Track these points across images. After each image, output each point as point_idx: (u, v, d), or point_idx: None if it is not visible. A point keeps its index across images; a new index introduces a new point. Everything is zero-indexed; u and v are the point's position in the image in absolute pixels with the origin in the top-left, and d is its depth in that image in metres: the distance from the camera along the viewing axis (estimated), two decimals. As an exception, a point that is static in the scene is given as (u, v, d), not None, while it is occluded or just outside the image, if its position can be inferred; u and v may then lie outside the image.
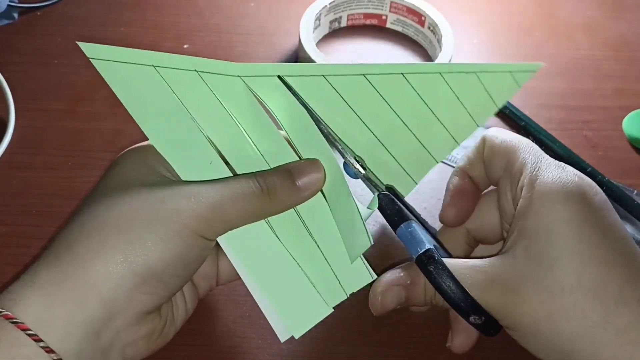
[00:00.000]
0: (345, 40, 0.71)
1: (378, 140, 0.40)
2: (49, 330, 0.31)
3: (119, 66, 0.36)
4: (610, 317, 0.30)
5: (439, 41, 0.66)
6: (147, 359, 0.38)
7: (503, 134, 0.39)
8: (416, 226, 0.36)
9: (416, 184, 0.42)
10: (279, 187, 0.36)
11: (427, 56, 0.69)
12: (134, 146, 0.38)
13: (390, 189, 0.39)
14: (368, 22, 0.71)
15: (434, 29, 0.67)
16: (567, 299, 0.31)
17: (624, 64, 0.70)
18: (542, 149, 0.63)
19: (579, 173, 0.35)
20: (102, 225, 0.33)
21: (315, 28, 0.68)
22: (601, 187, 0.59)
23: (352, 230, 0.38)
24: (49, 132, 0.60)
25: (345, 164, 0.38)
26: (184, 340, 0.47)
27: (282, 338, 0.39)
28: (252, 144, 0.38)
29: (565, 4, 0.77)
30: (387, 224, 0.38)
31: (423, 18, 0.68)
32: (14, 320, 0.30)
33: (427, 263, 0.33)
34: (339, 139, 0.38)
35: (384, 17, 0.71)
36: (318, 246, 0.39)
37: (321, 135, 0.37)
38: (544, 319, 0.32)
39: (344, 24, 0.71)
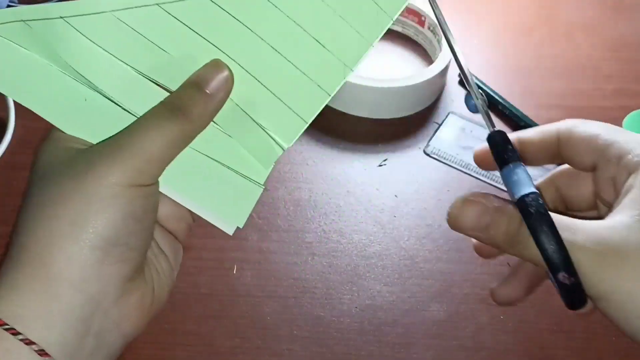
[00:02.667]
0: (345, 40, 0.70)
1: (249, 73, 0.36)
2: (27, 324, 0.31)
3: None
4: None
5: (439, 41, 0.66)
6: (147, 355, 0.38)
7: (577, 120, 0.36)
8: (525, 169, 0.33)
9: (306, 123, 0.37)
10: (190, 103, 0.34)
11: (427, 56, 0.69)
12: (44, 138, 0.38)
13: (502, 133, 0.36)
14: (368, 22, 0.71)
15: (434, 29, 0.67)
16: None
17: (624, 64, 0.70)
18: (543, 149, 0.64)
19: None
20: (42, 218, 0.33)
21: (315, 28, 0.68)
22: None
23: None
24: (48, 132, 0.60)
25: (467, 96, 0.37)
26: (184, 340, 0.47)
27: (230, 231, 0.38)
28: (142, 78, 0.36)
29: (565, 4, 0.77)
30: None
31: (423, 18, 0.68)
32: None
33: (529, 205, 0.31)
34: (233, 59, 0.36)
35: (384, 17, 0.71)
36: (227, 134, 0.37)
37: (216, 50, 0.35)
38: None
39: (344, 24, 0.71)
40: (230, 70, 0.36)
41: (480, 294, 0.50)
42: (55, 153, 0.36)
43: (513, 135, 0.37)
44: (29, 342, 0.31)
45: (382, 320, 0.48)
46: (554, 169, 0.39)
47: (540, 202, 0.32)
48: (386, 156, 0.61)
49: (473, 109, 0.37)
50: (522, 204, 0.32)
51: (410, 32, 0.70)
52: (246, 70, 0.36)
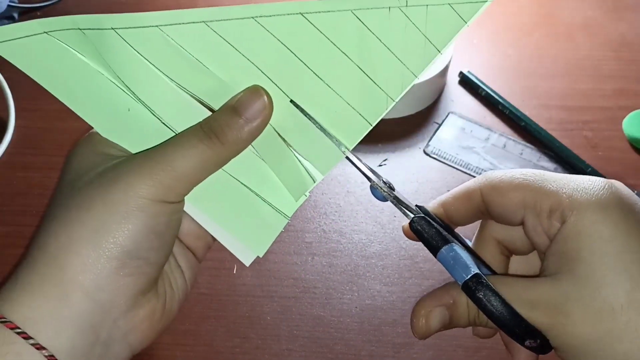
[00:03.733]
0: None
1: (323, 81, 0.36)
2: (38, 328, 0.31)
3: (18, 44, 0.35)
4: None
5: (439, 41, 0.66)
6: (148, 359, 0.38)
7: (501, 174, 0.36)
8: (457, 248, 0.34)
9: (344, 154, 0.37)
10: (226, 127, 0.34)
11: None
12: (81, 139, 0.38)
13: (421, 208, 0.37)
14: (368, 22, 0.71)
15: (434, 29, 0.67)
16: (619, 319, 0.30)
17: (624, 64, 0.70)
18: (542, 150, 0.64)
19: (610, 181, 0.33)
20: (65, 222, 0.33)
21: (315, 28, 0.68)
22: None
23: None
24: (49, 132, 0.60)
25: (372, 187, 0.37)
26: (184, 340, 0.47)
27: (247, 262, 0.38)
28: (185, 94, 0.36)
29: (565, 4, 0.77)
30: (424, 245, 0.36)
31: (423, 18, 0.68)
32: (2, 319, 0.30)
33: (475, 290, 0.32)
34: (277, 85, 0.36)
35: (384, 17, 0.71)
36: (262, 159, 0.37)
37: (260, 74, 0.35)
38: (595, 341, 0.30)
39: (344, 24, 0.71)
40: (269, 98, 0.35)
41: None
42: (89, 156, 0.36)
43: (436, 204, 0.37)
44: (39, 347, 0.30)
45: (382, 320, 0.48)
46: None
47: (484, 282, 0.32)
48: (386, 156, 0.61)
49: (381, 198, 0.37)
50: (467, 290, 0.33)
51: (410, 32, 0.70)
52: (287, 95, 0.36)
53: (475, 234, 0.39)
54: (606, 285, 0.30)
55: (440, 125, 0.64)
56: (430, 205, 0.37)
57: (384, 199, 0.37)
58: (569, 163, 0.60)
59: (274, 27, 0.34)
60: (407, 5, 0.33)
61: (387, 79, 0.35)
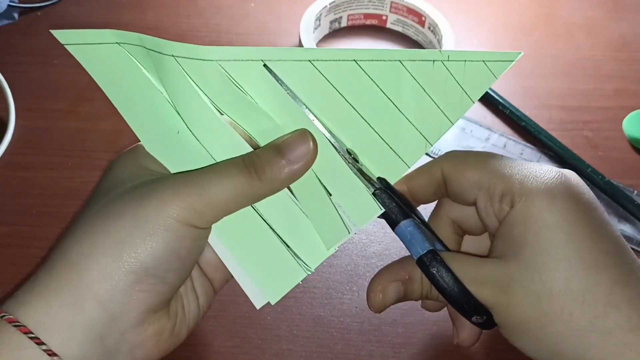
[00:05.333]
0: (345, 41, 0.71)
1: (368, 124, 0.37)
2: (51, 333, 0.31)
3: (91, 48, 0.37)
4: (598, 321, 0.31)
5: (439, 41, 0.66)
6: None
7: (464, 153, 0.38)
8: (415, 223, 0.35)
9: (382, 209, 0.38)
10: (267, 165, 0.35)
11: (427, 56, 0.69)
12: (127, 149, 0.38)
13: (382, 180, 0.38)
14: (368, 22, 0.71)
15: (434, 29, 0.67)
16: (555, 304, 0.32)
17: (624, 64, 0.70)
18: (542, 150, 0.64)
19: (562, 170, 0.35)
20: (91, 229, 0.33)
21: (316, 28, 0.68)
22: (601, 188, 0.60)
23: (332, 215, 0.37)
24: (49, 132, 0.60)
25: None
26: (184, 340, 0.47)
27: (258, 304, 0.38)
28: (233, 131, 0.37)
29: (565, 4, 0.77)
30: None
31: (423, 18, 0.68)
32: (16, 323, 0.31)
33: (429, 265, 0.34)
34: (327, 128, 0.37)
35: (384, 18, 0.71)
36: (298, 205, 0.37)
37: (308, 120, 0.36)
38: (533, 321, 0.32)
39: (344, 24, 0.71)
40: (315, 143, 0.36)
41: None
42: (128, 169, 0.36)
43: (401, 181, 0.38)
44: (51, 354, 0.31)
45: (382, 320, 0.48)
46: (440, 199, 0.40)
47: (438, 258, 0.34)
48: (386, 156, 0.61)
49: None
50: (421, 265, 0.34)
51: (410, 32, 0.70)
52: (331, 143, 0.37)
53: (432, 212, 0.40)
54: (547, 271, 0.32)
55: (440, 125, 0.64)
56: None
57: None
58: (569, 163, 0.60)
59: (328, 71, 0.36)
60: (448, 60, 0.36)
61: (427, 125, 0.38)
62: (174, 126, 0.37)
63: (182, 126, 0.37)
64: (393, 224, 0.36)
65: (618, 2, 0.77)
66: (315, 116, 0.37)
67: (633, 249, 0.55)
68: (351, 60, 0.36)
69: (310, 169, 0.36)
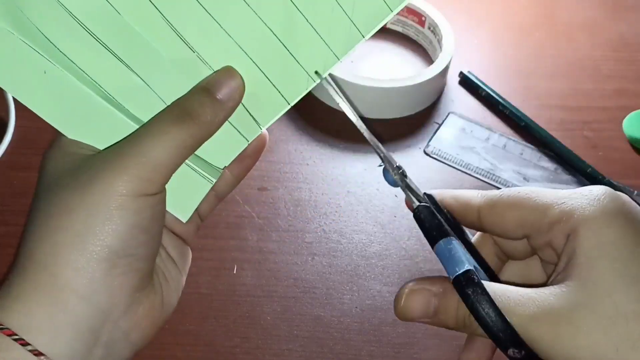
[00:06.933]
0: (345, 40, 0.70)
1: (246, 54, 0.35)
2: (35, 335, 0.30)
3: None
4: None
5: (439, 41, 0.66)
6: (148, 359, 0.38)
7: (498, 194, 0.35)
8: (456, 243, 0.33)
9: (260, 129, 0.36)
10: (199, 109, 0.33)
11: (427, 56, 0.69)
12: (51, 143, 0.37)
13: (430, 197, 0.37)
14: (368, 22, 0.71)
15: (434, 29, 0.67)
16: (633, 327, 0.29)
17: (624, 64, 0.70)
18: (542, 150, 0.64)
19: (608, 189, 0.33)
20: (48, 230, 0.32)
21: (316, 28, 0.68)
22: (601, 188, 0.60)
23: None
24: (49, 132, 0.60)
25: (385, 171, 0.37)
26: (184, 340, 0.47)
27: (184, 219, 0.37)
28: (142, 79, 0.35)
29: (565, 4, 0.77)
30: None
31: (423, 18, 0.68)
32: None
33: (466, 285, 0.31)
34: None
35: (384, 17, 0.71)
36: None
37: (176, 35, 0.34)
38: (608, 351, 0.29)
39: (344, 24, 0.71)
40: (242, 79, 0.35)
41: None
42: (60, 160, 0.35)
43: (441, 197, 0.36)
44: (38, 354, 0.30)
45: (382, 320, 0.48)
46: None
47: (475, 279, 0.31)
48: (386, 156, 0.61)
49: (392, 183, 0.36)
50: (457, 285, 0.31)
51: (410, 32, 0.70)
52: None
53: (476, 236, 0.38)
54: (617, 292, 0.29)
55: (440, 125, 0.64)
56: (439, 194, 0.36)
57: (395, 184, 0.36)
58: (569, 163, 0.60)
59: None
60: None
61: (310, 58, 0.35)
62: (83, 97, 0.35)
63: (90, 94, 0.35)
64: (433, 242, 0.33)
65: (618, 2, 0.77)
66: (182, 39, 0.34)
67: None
68: None
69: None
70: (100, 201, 0.32)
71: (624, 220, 0.31)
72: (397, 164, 0.36)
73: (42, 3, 0.33)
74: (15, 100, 0.61)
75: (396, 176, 0.35)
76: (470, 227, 0.36)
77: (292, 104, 0.35)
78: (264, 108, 0.36)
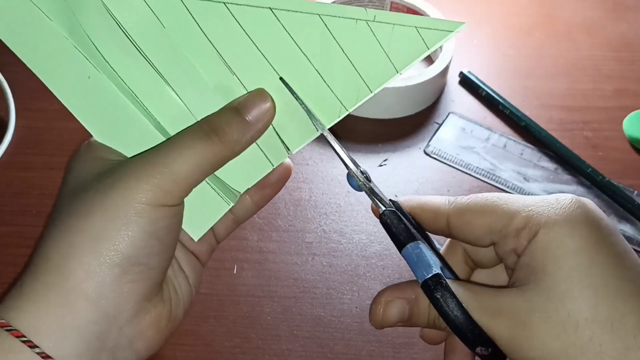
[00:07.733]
0: (345, 40, 0.71)
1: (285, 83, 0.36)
2: (43, 337, 0.31)
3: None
4: (630, 352, 0.29)
5: (439, 41, 0.66)
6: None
7: (467, 200, 0.35)
8: (423, 247, 0.34)
9: (290, 152, 0.37)
10: (227, 127, 0.34)
11: (428, 56, 0.69)
12: (82, 145, 0.38)
13: (394, 203, 0.37)
14: (368, 22, 0.71)
15: (434, 29, 0.67)
16: (582, 334, 0.30)
17: (624, 64, 0.70)
18: (542, 150, 0.64)
19: (577, 198, 0.33)
20: (66, 230, 0.32)
21: (316, 28, 0.68)
22: (601, 188, 0.60)
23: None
24: (49, 132, 0.60)
25: (349, 176, 0.37)
26: (184, 340, 0.47)
27: (196, 237, 0.37)
28: (177, 95, 0.36)
29: (565, 4, 0.77)
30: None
31: (423, 18, 0.68)
32: (8, 327, 0.30)
33: (434, 289, 0.32)
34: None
35: (384, 17, 0.71)
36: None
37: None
38: (557, 354, 0.30)
39: (344, 24, 0.71)
40: (273, 102, 0.35)
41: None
42: (88, 163, 0.35)
43: (414, 203, 0.37)
44: (45, 357, 0.30)
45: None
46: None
47: (443, 282, 0.32)
48: (386, 156, 0.61)
49: (357, 187, 0.37)
50: (426, 288, 0.32)
51: (410, 32, 0.70)
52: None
53: (445, 246, 0.39)
54: (571, 299, 0.30)
55: (440, 125, 0.64)
56: (406, 202, 0.37)
57: (359, 189, 0.37)
58: (569, 163, 0.60)
59: (242, 16, 0.34)
60: (374, 21, 0.33)
61: (344, 89, 0.35)
62: (119, 105, 0.35)
63: (127, 103, 0.36)
64: (400, 246, 0.35)
65: (618, 2, 0.77)
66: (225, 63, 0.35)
67: (634, 249, 0.55)
68: (267, 8, 0.34)
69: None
70: (119, 206, 0.32)
71: (588, 229, 0.31)
72: (362, 169, 0.37)
73: (94, 11, 0.34)
74: (15, 100, 0.61)
75: (360, 181, 0.36)
76: (440, 234, 0.37)
77: (321, 132, 0.36)
78: (294, 133, 0.36)
